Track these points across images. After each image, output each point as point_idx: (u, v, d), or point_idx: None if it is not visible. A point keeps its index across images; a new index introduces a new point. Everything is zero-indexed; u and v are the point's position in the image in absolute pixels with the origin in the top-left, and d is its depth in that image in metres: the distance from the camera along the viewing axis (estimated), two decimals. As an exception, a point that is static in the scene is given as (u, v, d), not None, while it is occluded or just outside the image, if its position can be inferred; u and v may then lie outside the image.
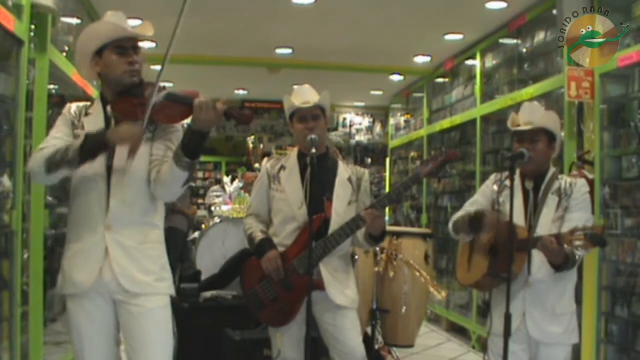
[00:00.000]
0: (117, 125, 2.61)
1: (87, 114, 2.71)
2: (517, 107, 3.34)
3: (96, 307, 2.62)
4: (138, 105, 2.58)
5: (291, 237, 3.31)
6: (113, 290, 2.60)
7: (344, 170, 3.43)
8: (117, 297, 2.62)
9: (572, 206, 3.08)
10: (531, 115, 3.14)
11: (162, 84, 2.60)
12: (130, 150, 2.50)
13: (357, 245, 3.46)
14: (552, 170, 3.20)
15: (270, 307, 3.32)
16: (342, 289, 3.31)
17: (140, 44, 2.71)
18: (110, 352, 2.68)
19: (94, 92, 5.48)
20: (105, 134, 2.53)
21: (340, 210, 3.32)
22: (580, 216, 3.05)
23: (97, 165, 2.59)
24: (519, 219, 3.05)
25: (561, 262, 2.91)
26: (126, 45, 2.65)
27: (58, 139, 2.66)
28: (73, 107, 2.75)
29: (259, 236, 3.32)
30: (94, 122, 2.67)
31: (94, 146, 2.52)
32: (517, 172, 3.11)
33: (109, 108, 2.69)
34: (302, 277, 3.21)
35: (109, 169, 2.61)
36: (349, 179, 3.41)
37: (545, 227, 3.05)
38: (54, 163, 2.54)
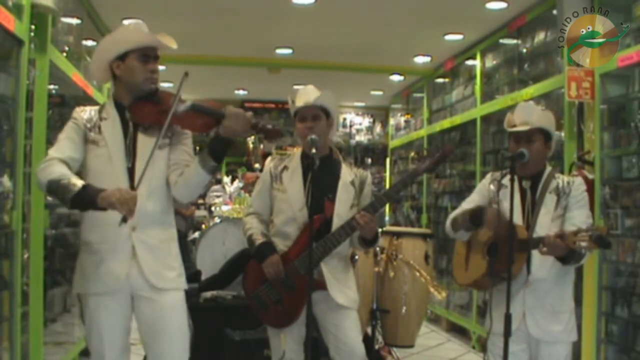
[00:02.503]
0: (135, 129, 2.78)
1: (101, 118, 2.81)
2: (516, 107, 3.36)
3: (116, 302, 2.74)
4: (161, 112, 2.74)
5: (291, 238, 3.31)
6: (138, 286, 2.74)
7: (347, 173, 3.42)
8: (139, 293, 2.75)
9: (572, 204, 3.09)
10: (527, 115, 3.14)
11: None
12: (123, 216, 2.50)
13: (352, 246, 3.47)
14: (548, 169, 3.20)
15: (274, 308, 3.32)
16: (342, 288, 3.32)
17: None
18: (125, 344, 2.81)
19: (93, 92, 5.49)
20: (97, 196, 2.53)
21: (343, 213, 3.32)
22: (580, 213, 3.07)
23: (118, 167, 2.73)
24: (517, 218, 3.05)
25: (566, 255, 2.90)
26: (149, 54, 2.79)
27: (67, 148, 2.73)
28: (85, 113, 2.84)
29: (259, 239, 3.31)
30: (112, 127, 2.78)
31: (85, 203, 2.57)
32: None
33: (127, 112, 2.81)
34: (304, 277, 3.21)
35: (130, 170, 2.74)
36: (352, 182, 3.40)
37: (544, 226, 3.06)
38: (52, 191, 2.61)
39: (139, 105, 2.78)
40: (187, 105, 2.76)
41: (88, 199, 2.54)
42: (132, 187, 2.66)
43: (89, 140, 2.76)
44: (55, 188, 2.58)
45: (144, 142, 2.77)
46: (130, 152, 2.76)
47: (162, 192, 2.81)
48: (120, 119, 2.80)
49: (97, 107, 2.89)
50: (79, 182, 2.57)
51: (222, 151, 2.73)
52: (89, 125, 2.78)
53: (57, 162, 2.64)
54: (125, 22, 6.10)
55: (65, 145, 2.73)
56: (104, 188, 2.54)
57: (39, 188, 2.75)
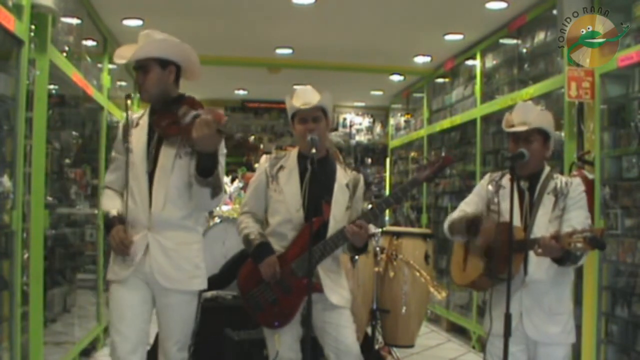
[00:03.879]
0: (160, 136, 2.99)
1: (137, 124, 3.06)
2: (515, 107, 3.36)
3: (137, 287, 3.00)
4: (172, 123, 2.91)
5: (287, 238, 3.31)
6: (150, 280, 2.98)
7: (343, 176, 3.42)
8: (154, 287, 3.00)
9: (569, 205, 3.07)
10: (525, 115, 3.12)
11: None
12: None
13: (343, 251, 3.47)
14: (547, 169, 3.18)
15: (269, 309, 3.31)
16: (336, 288, 3.32)
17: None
18: (144, 328, 3.02)
19: (94, 93, 5.49)
20: (109, 232, 2.99)
21: (338, 215, 3.32)
22: (578, 214, 3.05)
23: (139, 172, 2.96)
24: (515, 219, 3.03)
25: (561, 256, 2.90)
26: (135, 67, 3.05)
27: (114, 170, 3.14)
28: (130, 116, 3.06)
29: (257, 239, 3.30)
30: (139, 134, 3.03)
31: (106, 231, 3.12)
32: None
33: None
34: (301, 279, 3.22)
35: (151, 175, 2.96)
36: (347, 184, 3.41)
37: (541, 226, 3.05)
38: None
39: (159, 115, 2.99)
40: (191, 115, 2.84)
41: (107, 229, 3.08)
42: (151, 190, 2.94)
43: (126, 149, 3.00)
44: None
45: (165, 151, 2.97)
46: (151, 158, 2.97)
47: (182, 199, 2.98)
48: (148, 127, 3.03)
49: (141, 112, 3.13)
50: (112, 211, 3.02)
51: (205, 165, 2.84)
52: (124, 134, 3.04)
53: (112, 195, 3.11)
54: (125, 22, 6.11)
55: (114, 173, 3.14)
56: (113, 223, 2.96)
57: None
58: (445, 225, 3.30)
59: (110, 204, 3.05)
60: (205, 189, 2.88)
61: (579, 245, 2.74)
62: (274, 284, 3.28)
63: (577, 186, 3.13)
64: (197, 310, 3.11)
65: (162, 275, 2.96)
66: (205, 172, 2.84)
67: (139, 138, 3.02)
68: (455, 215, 3.26)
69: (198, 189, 2.90)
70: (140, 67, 2.98)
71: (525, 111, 3.15)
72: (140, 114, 3.12)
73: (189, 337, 3.08)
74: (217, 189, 2.91)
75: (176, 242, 2.99)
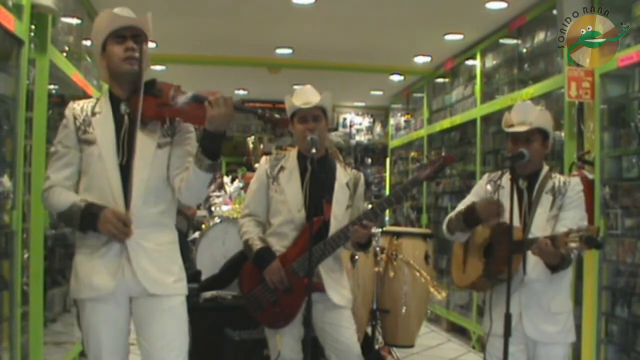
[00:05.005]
0: (131, 122, 2.61)
1: (94, 113, 2.67)
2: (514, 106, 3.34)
3: (115, 306, 2.63)
4: (162, 105, 2.61)
5: (289, 239, 3.31)
6: (133, 290, 2.61)
7: (343, 175, 3.42)
8: (136, 297, 2.64)
9: (566, 204, 3.07)
10: (525, 115, 3.11)
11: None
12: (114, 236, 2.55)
13: (346, 248, 3.47)
14: (545, 168, 3.18)
15: (270, 309, 3.32)
16: (338, 288, 3.33)
17: (143, 37, 2.70)
18: (125, 347, 2.70)
19: (94, 92, 5.48)
20: (97, 219, 2.53)
21: (339, 214, 3.32)
22: (574, 214, 3.04)
23: (108, 166, 2.59)
24: (514, 218, 3.03)
25: (557, 263, 2.90)
26: (125, 34, 2.64)
27: (64, 166, 2.66)
28: (77, 108, 2.69)
29: (257, 244, 3.29)
30: (104, 122, 2.64)
31: (87, 225, 2.55)
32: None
33: (122, 106, 2.66)
34: (302, 279, 3.21)
35: (124, 168, 2.59)
36: (347, 183, 3.41)
37: (539, 226, 3.04)
38: (63, 221, 2.76)
39: (135, 99, 2.60)
40: (188, 96, 2.61)
41: (88, 222, 2.55)
42: (125, 186, 2.56)
43: (81, 141, 2.63)
44: (64, 219, 2.66)
45: (144, 140, 2.61)
46: (124, 148, 2.59)
47: (161, 194, 2.67)
48: (114, 114, 2.65)
49: (92, 101, 2.74)
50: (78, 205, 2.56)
51: (215, 146, 2.54)
52: (78, 124, 2.65)
53: (56, 192, 2.63)
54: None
55: (61, 167, 2.66)
56: (99, 209, 2.53)
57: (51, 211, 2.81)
58: (444, 225, 3.30)
59: (71, 196, 2.60)
60: (207, 175, 2.57)
61: (574, 244, 2.73)
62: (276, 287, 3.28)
63: (574, 185, 3.12)
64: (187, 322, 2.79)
65: (148, 281, 2.59)
66: (213, 154, 2.54)
67: (104, 127, 2.62)
68: (452, 214, 3.27)
69: (198, 176, 2.57)
70: (136, 36, 2.66)
71: (524, 111, 3.14)
72: (92, 102, 2.72)
73: (187, 350, 2.73)
74: (215, 177, 2.71)
75: (157, 242, 2.65)
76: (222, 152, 2.58)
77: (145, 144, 2.62)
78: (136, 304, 2.66)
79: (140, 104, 2.58)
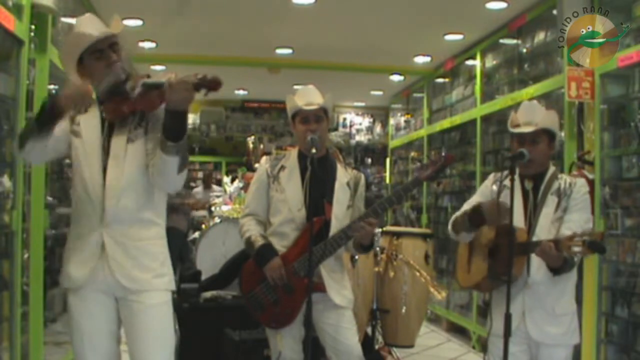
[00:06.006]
0: (111, 127, 2.64)
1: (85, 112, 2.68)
2: (517, 107, 3.32)
3: (97, 303, 2.61)
4: (121, 101, 2.60)
5: (289, 239, 3.31)
6: (112, 286, 2.59)
7: (343, 174, 3.42)
8: (117, 294, 2.61)
9: (571, 206, 3.05)
10: (531, 115, 3.08)
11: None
12: (74, 112, 2.56)
13: (347, 251, 3.46)
14: (552, 169, 3.15)
15: (271, 309, 3.31)
16: (339, 289, 3.32)
17: (119, 40, 2.72)
18: (111, 350, 2.65)
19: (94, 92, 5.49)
20: (55, 97, 2.54)
21: (340, 214, 3.32)
22: (579, 217, 3.02)
23: (93, 163, 2.61)
24: (519, 219, 3.02)
25: (560, 266, 2.89)
26: (102, 47, 2.64)
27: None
28: None
29: (259, 241, 3.29)
30: (90, 122, 2.67)
31: (47, 111, 2.53)
32: (516, 172, 3.08)
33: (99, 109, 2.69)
34: (303, 279, 3.21)
35: (104, 168, 2.61)
36: (348, 183, 3.41)
37: (544, 227, 3.03)
38: (21, 138, 2.60)
39: (107, 102, 2.64)
40: (139, 84, 2.56)
41: (49, 104, 2.53)
42: (104, 184, 2.59)
43: (71, 131, 2.66)
44: (21, 132, 2.66)
45: (116, 139, 2.63)
46: (106, 150, 2.62)
47: (139, 188, 2.62)
48: (100, 115, 2.66)
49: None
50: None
51: (176, 127, 2.46)
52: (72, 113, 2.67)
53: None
54: (125, 22, 6.11)
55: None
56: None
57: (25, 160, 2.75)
58: (449, 225, 3.28)
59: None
60: (172, 159, 2.48)
61: (577, 248, 2.71)
62: (276, 285, 3.28)
63: (580, 187, 3.09)
64: (174, 320, 2.76)
65: (124, 277, 2.56)
66: (176, 134, 2.46)
67: (91, 125, 2.65)
68: (457, 214, 3.26)
69: (164, 161, 2.49)
70: (113, 44, 2.68)
71: (531, 111, 3.10)
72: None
73: (172, 347, 2.68)
74: (184, 160, 2.53)
75: (135, 238, 2.61)
76: (185, 130, 2.51)
77: (117, 143, 2.63)
78: (121, 305, 2.63)
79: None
